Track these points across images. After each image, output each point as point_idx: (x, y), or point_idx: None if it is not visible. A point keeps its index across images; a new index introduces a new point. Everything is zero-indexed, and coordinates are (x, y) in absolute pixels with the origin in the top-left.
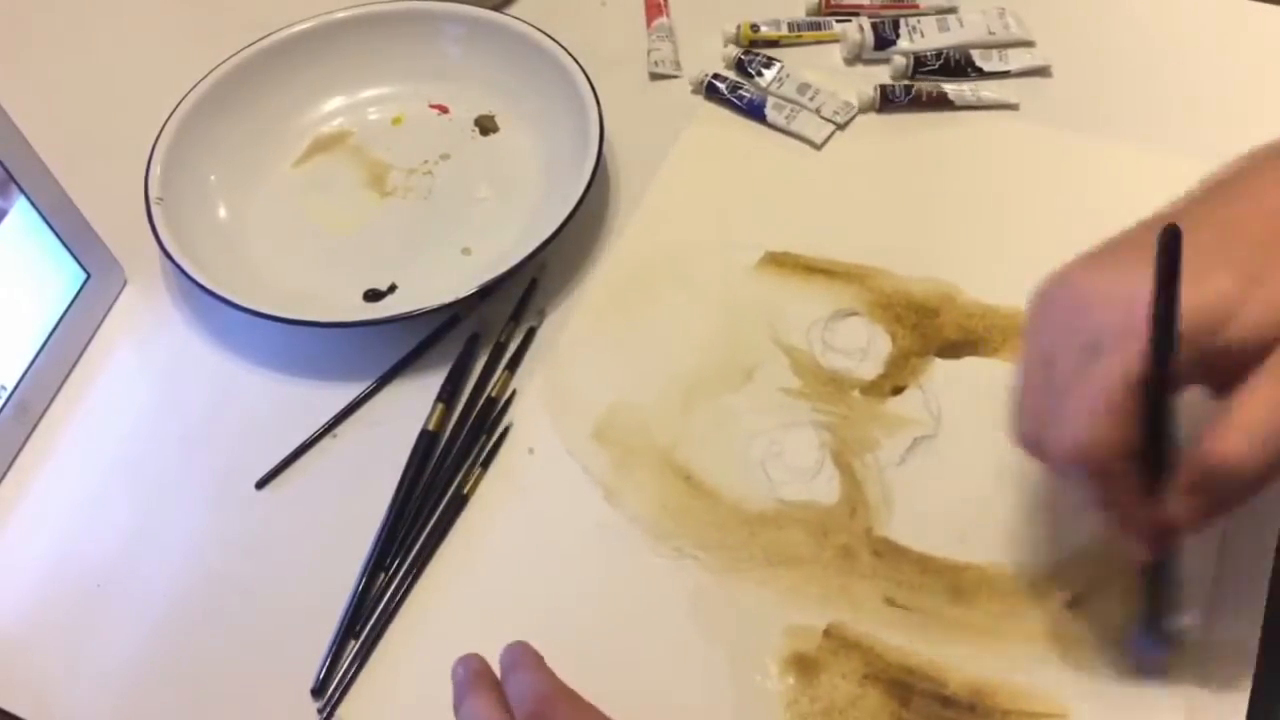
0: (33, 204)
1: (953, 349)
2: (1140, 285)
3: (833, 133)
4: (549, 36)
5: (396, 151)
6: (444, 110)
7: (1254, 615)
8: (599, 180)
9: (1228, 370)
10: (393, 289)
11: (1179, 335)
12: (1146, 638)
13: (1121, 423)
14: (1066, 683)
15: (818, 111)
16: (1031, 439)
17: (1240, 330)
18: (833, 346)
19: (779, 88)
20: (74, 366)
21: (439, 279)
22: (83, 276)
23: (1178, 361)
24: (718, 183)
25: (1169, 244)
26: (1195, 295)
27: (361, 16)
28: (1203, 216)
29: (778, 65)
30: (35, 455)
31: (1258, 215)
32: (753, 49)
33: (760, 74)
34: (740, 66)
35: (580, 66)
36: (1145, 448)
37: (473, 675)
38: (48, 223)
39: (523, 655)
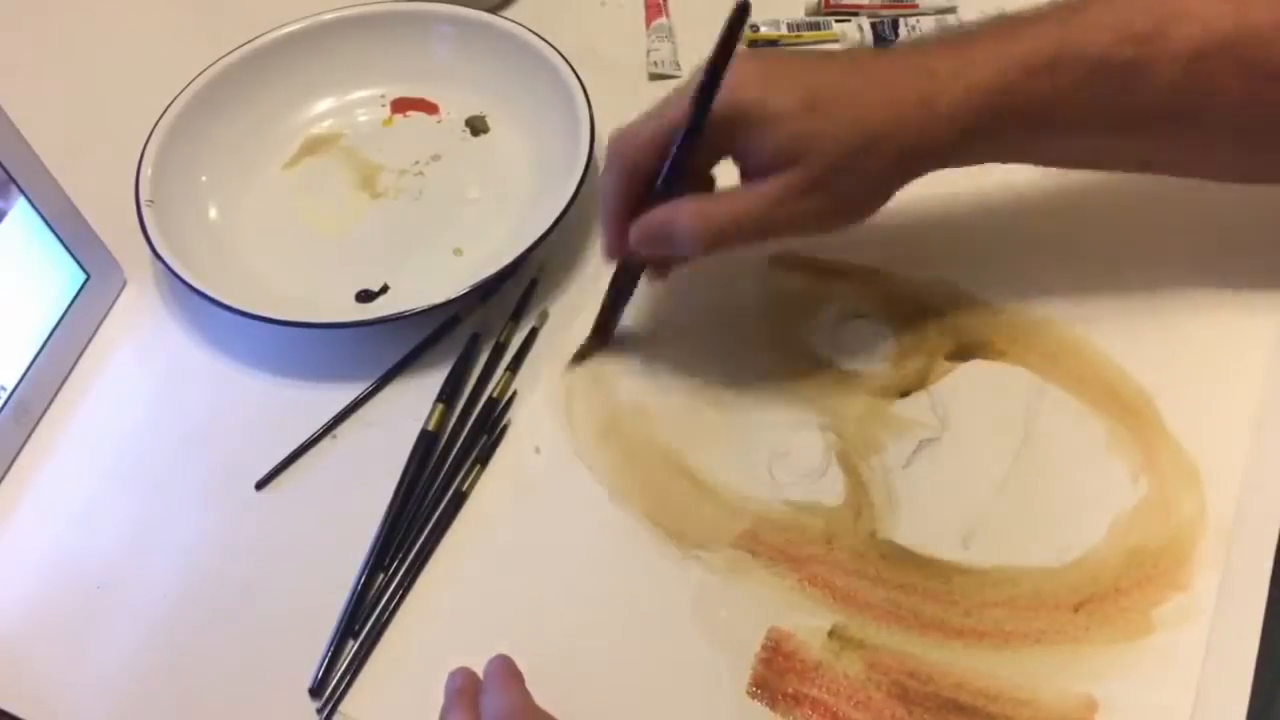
0: (32, 205)
1: (959, 352)
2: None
3: None
4: (539, 36)
5: (387, 152)
6: (434, 111)
7: (1254, 615)
8: (592, 180)
9: (748, 165)
10: (385, 290)
11: (716, 109)
12: (594, 331)
13: (658, 143)
14: (1071, 688)
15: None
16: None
17: (765, 139)
18: (840, 348)
19: None
20: (74, 367)
21: (431, 280)
22: (82, 277)
23: (711, 129)
24: (724, 182)
25: (732, 18)
26: (755, 90)
27: (351, 18)
28: (848, 60)
29: None
30: (35, 455)
31: (873, 73)
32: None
33: None
34: None
35: (570, 66)
36: (659, 176)
37: (455, 693)
38: (47, 223)
39: (497, 673)
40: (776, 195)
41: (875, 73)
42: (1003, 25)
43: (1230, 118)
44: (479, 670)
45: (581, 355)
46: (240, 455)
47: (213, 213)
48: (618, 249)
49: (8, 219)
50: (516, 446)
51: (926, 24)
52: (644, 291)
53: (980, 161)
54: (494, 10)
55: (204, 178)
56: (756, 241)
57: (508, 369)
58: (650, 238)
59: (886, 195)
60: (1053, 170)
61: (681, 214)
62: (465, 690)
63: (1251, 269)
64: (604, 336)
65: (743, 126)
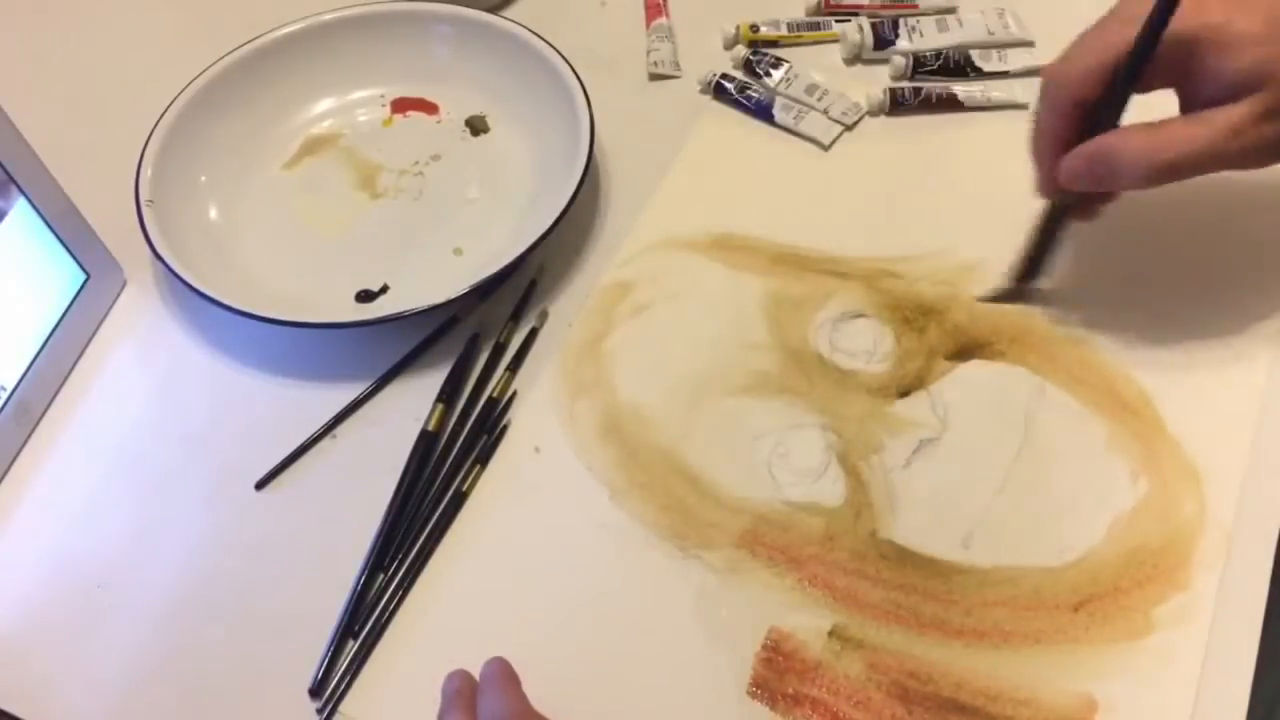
0: (32, 205)
1: (960, 352)
2: None
3: (841, 133)
4: (538, 36)
5: (387, 152)
6: (434, 111)
7: (1254, 615)
8: (593, 180)
9: (1199, 92)
10: (385, 290)
11: (1170, 34)
12: (1021, 265)
13: (1096, 73)
14: (1071, 687)
15: (825, 112)
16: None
17: (1225, 63)
18: (840, 348)
19: (787, 88)
20: (74, 367)
21: (431, 280)
22: (82, 277)
23: (1160, 57)
24: (725, 182)
25: None
26: (1212, 14)
27: (351, 18)
28: None
29: (786, 66)
30: (35, 455)
31: None
32: (759, 49)
33: (768, 74)
34: (748, 67)
35: (570, 66)
36: (1100, 106)
37: (452, 695)
38: (47, 223)
39: (494, 676)
40: (1235, 124)
41: None
42: None
43: None
44: (476, 672)
45: (1007, 296)
46: (240, 455)
47: (213, 213)
48: (1052, 185)
49: (8, 219)
50: (516, 446)
51: (927, 24)
52: (650, 291)
53: None
54: (494, 10)
55: (204, 178)
56: (1206, 172)
57: (508, 369)
58: (1091, 171)
59: None
60: None
61: (1130, 143)
62: (462, 693)
63: (1253, 268)
64: (1032, 277)
65: (1200, 50)
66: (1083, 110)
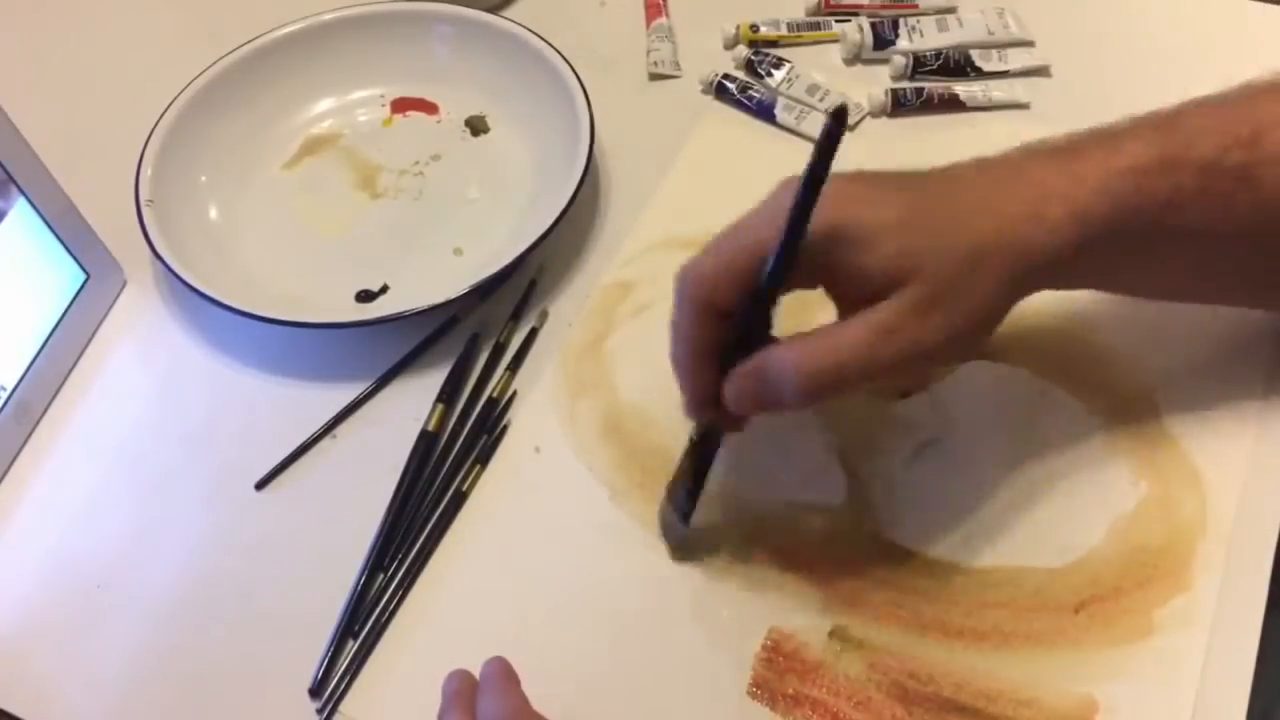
0: (32, 205)
1: None
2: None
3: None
4: (539, 36)
5: (387, 152)
6: (434, 111)
7: (1254, 616)
8: (593, 180)
9: (847, 293)
10: (385, 290)
11: (811, 233)
12: (672, 506)
13: (736, 273)
14: (1071, 688)
15: (827, 112)
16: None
17: (865, 259)
18: None
19: (789, 88)
20: (74, 367)
21: (431, 280)
22: (82, 277)
23: (803, 258)
24: (726, 182)
25: (830, 127)
26: (848, 209)
27: (351, 18)
28: (944, 175)
29: (788, 66)
30: (35, 455)
31: (976, 186)
32: (759, 49)
33: (770, 74)
34: (750, 67)
35: (570, 66)
36: (743, 317)
37: (451, 695)
38: (47, 224)
39: (494, 676)
40: (889, 322)
41: (978, 185)
42: (1101, 134)
43: None
44: (476, 672)
45: (674, 536)
46: (240, 455)
47: (213, 213)
48: (704, 406)
49: (8, 219)
50: (516, 446)
51: (927, 24)
52: (651, 291)
53: (1089, 284)
54: (494, 10)
55: (204, 178)
56: (868, 383)
57: (508, 369)
58: (755, 392)
59: (1000, 317)
60: None
61: (784, 358)
62: (461, 693)
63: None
64: (690, 510)
65: (842, 246)
66: (721, 317)
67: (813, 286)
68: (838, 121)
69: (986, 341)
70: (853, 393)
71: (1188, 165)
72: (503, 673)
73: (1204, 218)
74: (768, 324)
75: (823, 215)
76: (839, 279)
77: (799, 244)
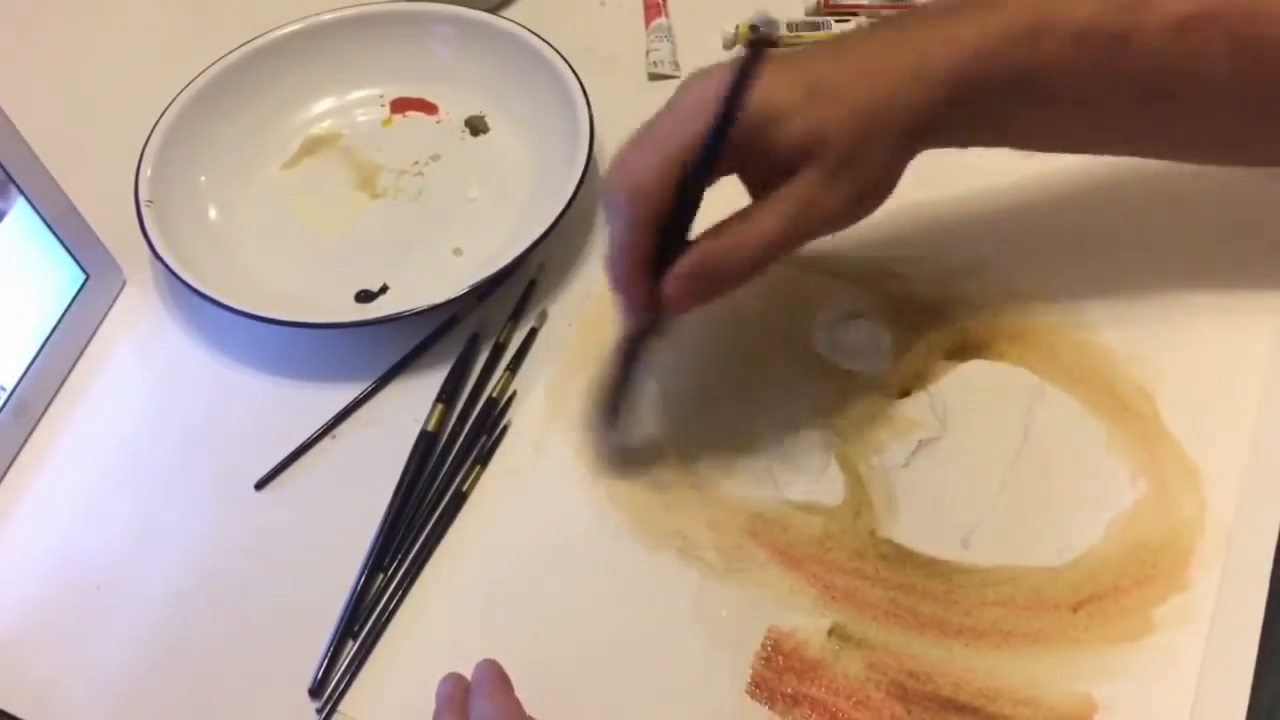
0: (32, 205)
1: (959, 351)
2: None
3: None
4: (538, 36)
5: (387, 152)
6: (433, 111)
7: (1254, 615)
8: (593, 180)
9: (764, 171)
10: (384, 290)
11: (735, 120)
12: (601, 408)
13: (664, 175)
14: (1070, 687)
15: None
16: (606, 181)
17: (781, 134)
18: (840, 348)
19: None
20: (73, 367)
21: (430, 280)
22: (82, 277)
23: (727, 144)
24: (725, 182)
25: (754, 46)
26: (766, 93)
27: (350, 18)
28: (835, 47)
29: None
30: (35, 455)
31: (864, 53)
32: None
33: None
34: None
35: (570, 66)
36: (673, 213)
37: (445, 698)
38: (47, 224)
39: (486, 679)
40: (807, 194)
41: (867, 52)
42: None
43: (1216, 92)
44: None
45: (605, 441)
46: (240, 455)
47: (212, 213)
48: (646, 307)
49: (7, 219)
50: (516, 446)
51: None
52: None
53: (972, 142)
54: (493, 10)
55: (203, 178)
56: (793, 251)
57: (507, 369)
58: (698, 287)
59: (896, 176)
60: (1053, 169)
61: (727, 246)
62: (454, 696)
63: (1251, 269)
64: (615, 416)
65: (752, 131)
66: (657, 220)
67: (727, 174)
68: (759, 46)
69: (887, 196)
70: (782, 256)
71: (1059, 31)
72: (495, 675)
73: (1074, 83)
74: (691, 222)
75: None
76: (751, 162)
77: (723, 143)
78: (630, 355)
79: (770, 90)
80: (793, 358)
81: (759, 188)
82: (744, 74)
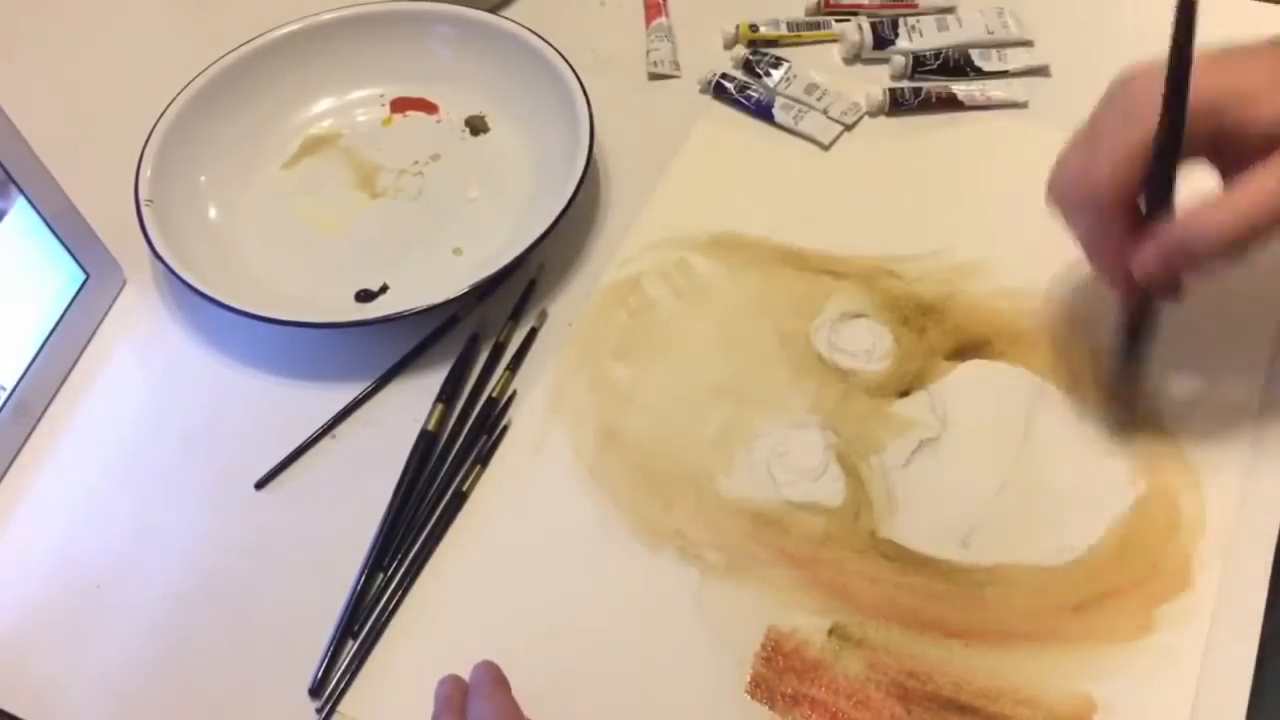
0: (32, 204)
1: (959, 351)
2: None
3: (840, 133)
4: (538, 36)
5: (386, 152)
6: (433, 111)
7: (1254, 615)
8: (593, 180)
9: (1236, 156)
10: (384, 289)
11: (1189, 107)
12: (1117, 381)
13: (1129, 170)
14: (1070, 687)
15: (825, 112)
16: (1055, 185)
17: (1253, 114)
18: (839, 348)
19: (787, 88)
20: (73, 366)
21: (430, 279)
22: (82, 277)
23: (1186, 130)
24: (725, 182)
25: (1184, 12)
26: (1222, 78)
27: (350, 18)
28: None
29: (785, 65)
30: (35, 455)
31: None
32: (758, 49)
33: (768, 74)
34: (748, 66)
35: (570, 66)
36: (1149, 196)
37: (443, 700)
38: (47, 223)
39: (483, 680)
40: None
41: None
42: None
43: None
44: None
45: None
46: (240, 455)
47: (212, 213)
48: (1132, 289)
49: (7, 219)
50: (516, 446)
51: (926, 24)
52: (650, 291)
53: None
54: (493, 10)
55: (203, 178)
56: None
57: (507, 369)
58: (1168, 264)
59: None
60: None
61: (1200, 223)
62: (452, 698)
63: (1251, 268)
64: (1139, 361)
65: (1223, 113)
66: (1122, 209)
67: (1199, 157)
68: (1189, 5)
69: None
70: (1271, 235)
71: None
72: (492, 677)
73: None
74: (1170, 201)
75: (1197, 89)
76: (1223, 146)
77: (1181, 126)
78: (1141, 318)
79: (1235, 75)
80: (793, 357)
81: (1233, 172)
82: (1179, 58)
